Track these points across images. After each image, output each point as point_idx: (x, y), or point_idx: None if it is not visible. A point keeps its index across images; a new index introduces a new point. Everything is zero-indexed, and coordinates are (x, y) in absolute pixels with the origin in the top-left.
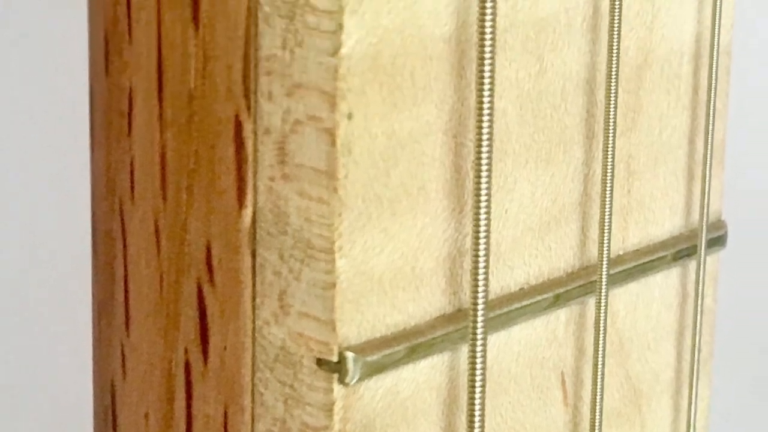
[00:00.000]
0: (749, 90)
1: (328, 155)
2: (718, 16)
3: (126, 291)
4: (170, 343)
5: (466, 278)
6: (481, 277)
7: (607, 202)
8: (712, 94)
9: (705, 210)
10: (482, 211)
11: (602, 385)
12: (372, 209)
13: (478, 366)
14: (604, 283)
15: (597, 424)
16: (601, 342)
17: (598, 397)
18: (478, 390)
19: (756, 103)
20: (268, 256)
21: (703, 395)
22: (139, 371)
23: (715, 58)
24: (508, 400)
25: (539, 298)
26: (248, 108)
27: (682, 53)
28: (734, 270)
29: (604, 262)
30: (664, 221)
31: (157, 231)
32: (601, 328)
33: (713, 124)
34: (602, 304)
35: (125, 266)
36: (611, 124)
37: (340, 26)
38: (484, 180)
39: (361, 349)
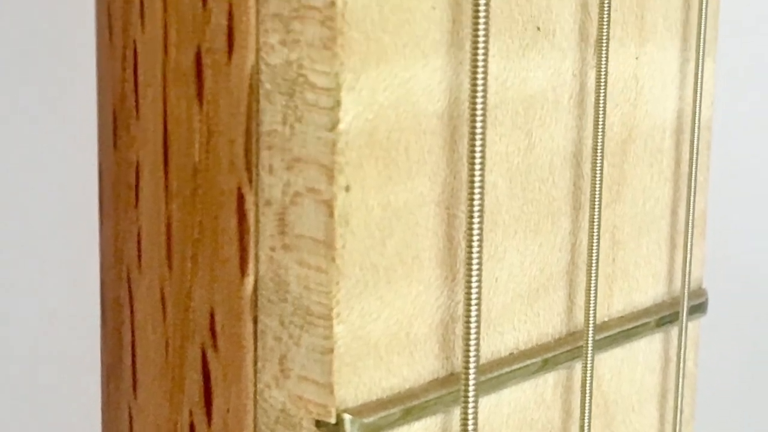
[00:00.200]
0: (730, 163)
1: (326, 226)
2: (698, 93)
3: (133, 355)
4: (175, 406)
5: (459, 343)
6: (472, 342)
7: (593, 271)
8: (694, 168)
9: (686, 278)
10: (474, 279)
11: None
12: (368, 277)
13: (470, 428)
14: (590, 348)
15: None
16: (587, 405)
17: None
18: None
19: (736, 175)
20: (269, 323)
21: None
22: None
23: (696, 133)
24: None
25: (528, 362)
26: (250, 181)
27: (665, 128)
28: (715, 335)
29: (590, 328)
30: (647, 289)
31: (163, 298)
32: (588, 392)
33: (694, 196)
34: (588, 369)
35: (132, 332)
36: (597, 196)
37: (338, 103)
38: (475, 250)
39: (358, 411)
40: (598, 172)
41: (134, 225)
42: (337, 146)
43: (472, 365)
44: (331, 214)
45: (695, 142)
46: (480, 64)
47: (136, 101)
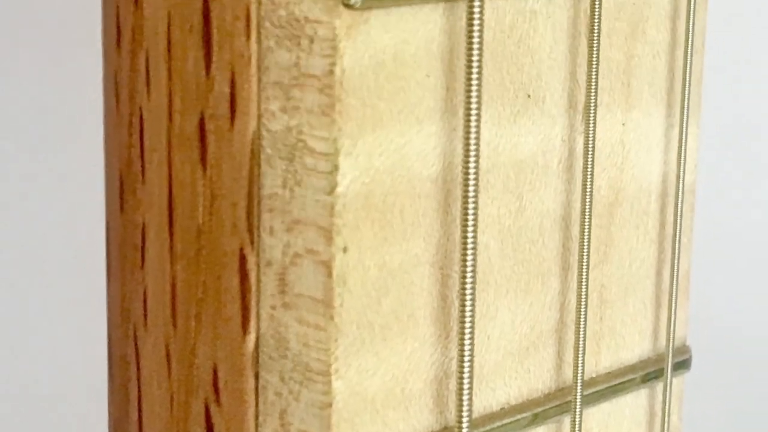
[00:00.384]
0: (713, 225)
1: (324, 285)
2: (683, 158)
3: (140, 410)
4: None
5: (452, 398)
6: (465, 397)
7: (582, 329)
8: (678, 230)
9: (671, 336)
10: (467, 336)
11: None
12: (365, 335)
13: None
14: (578, 403)
15: None
16: None
17: None
18: None
19: (719, 237)
20: (269, 378)
21: None
22: None
23: (680, 196)
24: None
25: (519, 417)
26: (252, 242)
27: (650, 192)
28: (698, 390)
29: (579, 384)
30: (633, 346)
31: (168, 355)
32: None
33: (679, 257)
34: (577, 423)
35: (139, 387)
36: (585, 257)
37: (336, 167)
38: (468, 308)
39: None
40: (586, 234)
41: (140, 285)
42: (335, 209)
43: (465, 420)
44: (329, 275)
45: (679, 205)
46: (473, 130)
47: (142, 166)
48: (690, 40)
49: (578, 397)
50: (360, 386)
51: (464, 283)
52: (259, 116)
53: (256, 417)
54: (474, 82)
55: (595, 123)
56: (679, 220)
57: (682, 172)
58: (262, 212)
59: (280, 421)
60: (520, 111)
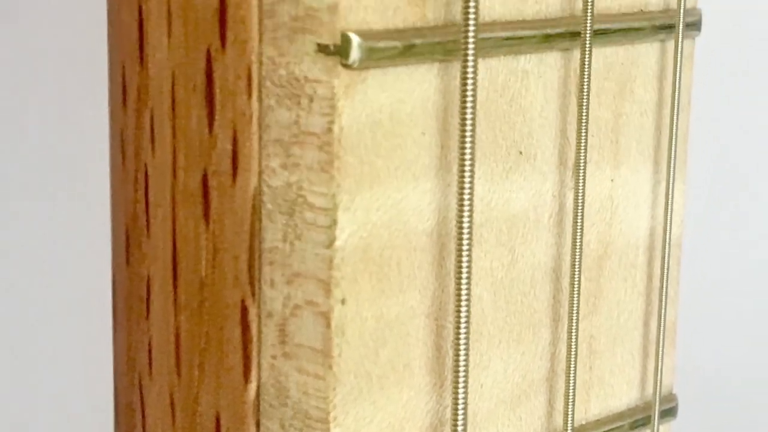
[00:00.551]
0: (700, 277)
1: (323, 336)
2: (669, 213)
3: None
4: None
5: None
6: None
7: (572, 378)
8: (665, 282)
9: (658, 385)
10: (461, 386)
11: None
12: (363, 384)
13: None
14: None
15: None
16: None
17: None
18: None
19: (705, 289)
20: (270, 426)
21: None
22: None
23: (667, 250)
24: None
25: None
26: (253, 294)
27: (638, 246)
28: None
29: (569, 431)
30: (621, 395)
31: (172, 403)
32: None
33: (665, 309)
34: None
35: None
36: (575, 308)
37: (335, 222)
38: (462, 358)
39: None
40: (575, 286)
41: (145, 335)
42: (334, 262)
43: None
44: (328, 326)
45: (666, 259)
46: (466, 186)
47: (147, 221)
48: (676, 98)
49: None
50: None
51: (458, 334)
52: (260, 172)
53: None
54: (468, 140)
55: (584, 179)
56: (666, 273)
57: (668, 227)
58: (263, 265)
59: None
60: (512, 167)
